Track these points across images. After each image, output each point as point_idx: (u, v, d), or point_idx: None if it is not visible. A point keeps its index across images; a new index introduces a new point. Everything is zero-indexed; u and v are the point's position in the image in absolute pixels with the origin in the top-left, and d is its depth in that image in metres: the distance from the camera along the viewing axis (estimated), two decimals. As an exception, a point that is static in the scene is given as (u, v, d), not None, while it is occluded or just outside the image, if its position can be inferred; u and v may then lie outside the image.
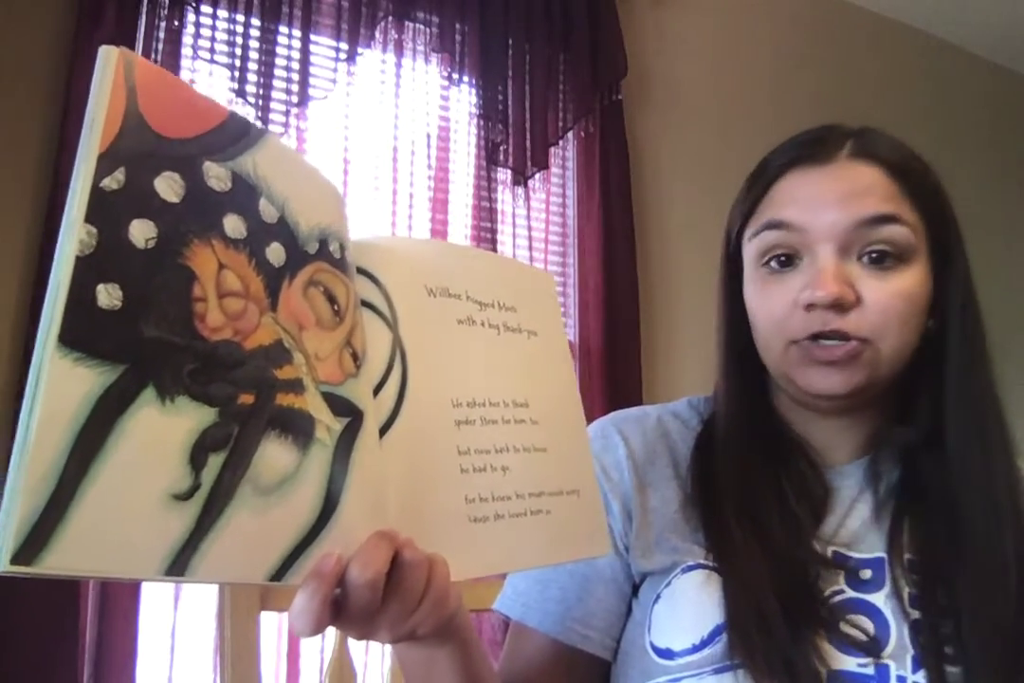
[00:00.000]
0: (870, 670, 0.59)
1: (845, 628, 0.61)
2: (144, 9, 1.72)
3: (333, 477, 0.42)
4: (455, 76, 2.06)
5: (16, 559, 0.30)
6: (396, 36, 2.01)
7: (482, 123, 2.08)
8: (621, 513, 0.69)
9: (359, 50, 1.94)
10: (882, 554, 0.65)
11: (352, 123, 1.95)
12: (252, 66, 1.81)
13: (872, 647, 0.60)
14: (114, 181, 0.35)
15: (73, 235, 0.33)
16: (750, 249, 0.68)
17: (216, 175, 0.39)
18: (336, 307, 0.44)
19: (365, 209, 1.94)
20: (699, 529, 0.67)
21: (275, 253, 0.41)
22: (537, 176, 2.13)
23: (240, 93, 1.79)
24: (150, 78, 0.37)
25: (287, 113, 1.85)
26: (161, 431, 0.35)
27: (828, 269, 0.62)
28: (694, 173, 2.38)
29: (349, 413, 0.44)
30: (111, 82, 0.35)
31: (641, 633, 0.65)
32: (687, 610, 0.63)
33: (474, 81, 2.08)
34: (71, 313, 0.33)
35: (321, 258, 0.44)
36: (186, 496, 0.35)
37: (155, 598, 1.60)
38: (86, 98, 0.35)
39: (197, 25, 1.78)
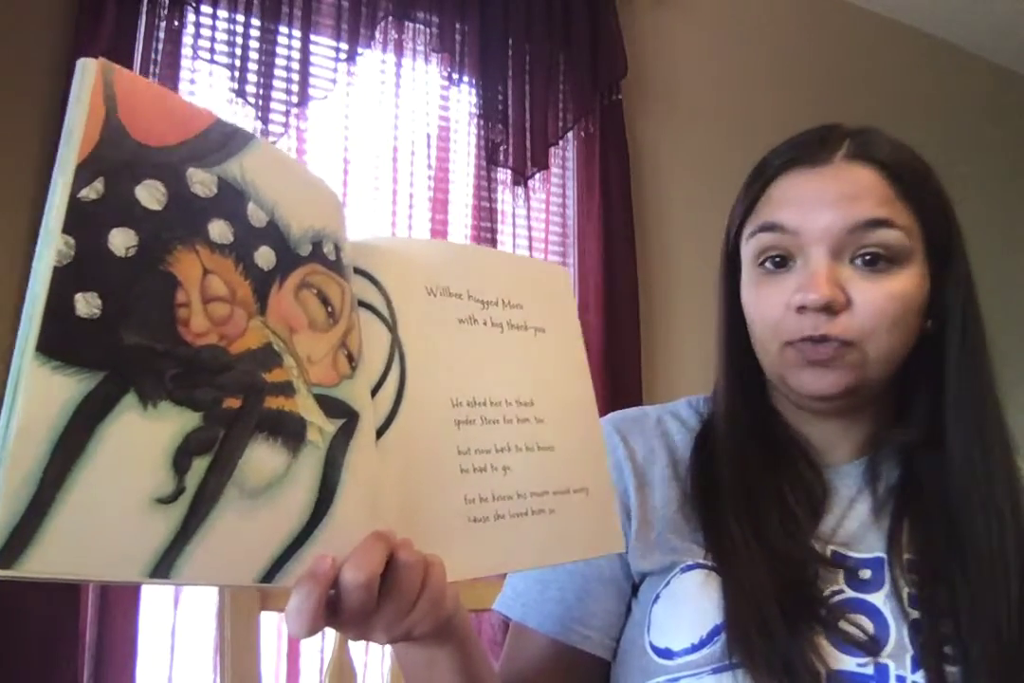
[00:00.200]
0: (869, 670, 0.59)
1: (844, 626, 0.61)
2: (144, 9, 1.72)
3: (326, 479, 0.42)
4: (455, 76, 2.07)
5: None
6: (396, 36, 2.01)
7: (482, 123, 2.08)
8: (621, 513, 0.68)
9: (359, 50, 1.94)
10: (881, 554, 0.65)
11: (352, 123, 1.95)
12: (252, 66, 1.81)
13: (871, 646, 0.60)
14: (93, 191, 0.35)
15: (51, 246, 0.34)
16: (747, 250, 0.68)
17: (201, 181, 0.39)
18: (330, 309, 0.44)
19: (365, 209, 1.94)
20: (698, 529, 0.67)
21: (264, 257, 0.42)
22: (537, 176, 2.13)
23: (240, 93, 1.79)
24: (131, 87, 0.37)
25: (287, 113, 1.85)
26: (143, 436, 0.35)
27: (820, 272, 0.62)
28: (694, 173, 2.38)
29: (344, 414, 0.44)
30: (89, 93, 0.35)
31: (640, 633, 0.65)
32: (686, 610, 0.63)
33: (474, 81, 2.08)
34: (49, 323, 0.33)
35: (314, 260, 0.44)
36: (170, 499, 0.36)
37: (155, 598, 1.60)
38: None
39: (197, 25, 1.78)
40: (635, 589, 0.68)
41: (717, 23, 2.53)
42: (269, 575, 0.39)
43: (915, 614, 0.62)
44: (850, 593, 0.63)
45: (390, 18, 2.00)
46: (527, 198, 2.12)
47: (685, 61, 2.46)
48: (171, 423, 0.36)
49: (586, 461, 0.57)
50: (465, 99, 2.10)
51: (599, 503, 0.56)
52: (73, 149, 0.35)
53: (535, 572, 0.70)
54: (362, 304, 0.48)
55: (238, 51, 1.80)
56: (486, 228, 2.05)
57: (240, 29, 1.81)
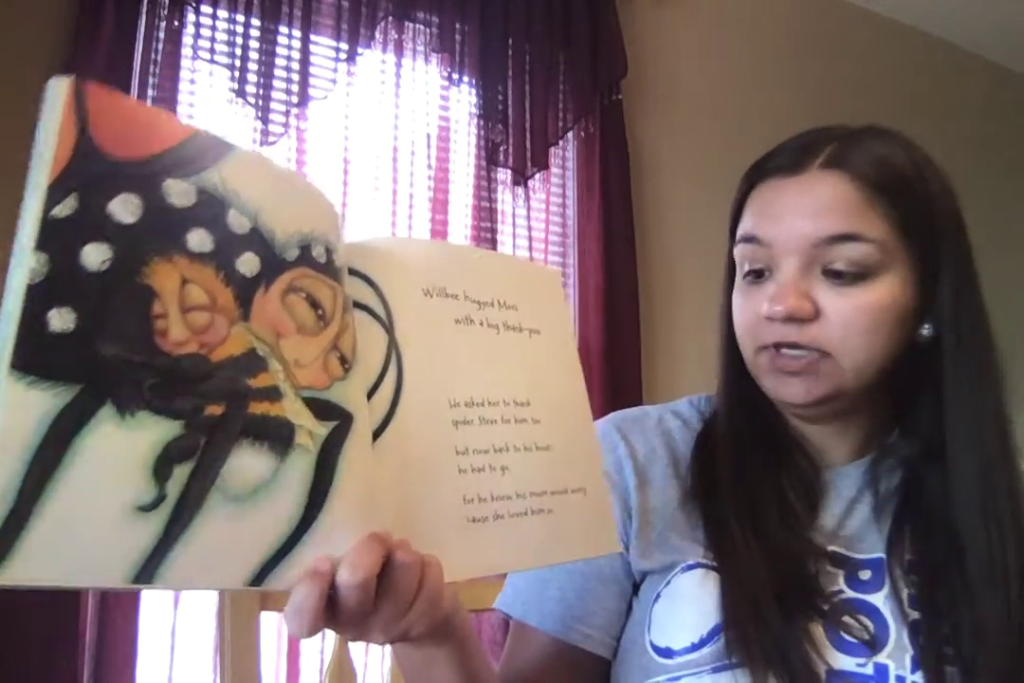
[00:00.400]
0: (869, 670, 0.60)
1: (846, 621, 0.61)
2: (144, 9, 1.72)
3: (318, 481, 0.42)
4: (455, 76, 2.07)
5: None
6: (396, 36, 2.01)
7: (482, 123, 2.08)
8: (621, 512, 0.69)
9: (359, 50, 1.94)
10: (882, 555, 0.65)
11: (352, 123, 1.95)
12: (252, 66, 1.81)
13: (871, 645, 0.60)
14: (66, 208, 0.35)
15: (23, 264, 0.34)
16: (736, 256, 0.69)
17: (179, 192, 0.39)
18: (320, 312, 0.45)
19: (365, 209, 1.94)
20: (699, 528, 0.67)
21: (247, 263, 0.42)
22: (537, 176, 2.13)
23: (240, 93, 1.79)
24: (103, 103, 0.37)
25: (287, 113, 1.85)
26: (121, 446, 0.36)
27: (787, 284, 0.63)
28: (694, 173, 2.38)
29: (336, 417, 0.44)
30: (60, 113, 0.36)
31: (641, 632, 0.65)
32: (686, 609, 0.63)
33: (474, 81, 2.08)
34: (23, 339, 0.33)
35: (303, 264, 0.44)
36: (150, 507, 0.36)
37: (155, 598, 1.60)
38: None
39: (197, 25, 1.78)
40: (636, 588, 0.68)
41: (717, 23, 2.53)
42: (259, 578, 0.40)
43: (915, 615, 0.62)
44: (850, 593, 0.63)
45: (390, 18, 2.00)
46: (527, 198, 2.12)
47: (685, 61, 2.46)
48: (150, 432, 0.37)
49: (582, 461, 0.57)
50: (465, 99, 2.10)
51: (596, 503, 0.56)
52: (43, 170, 0.35)
53: (535, 571, 0.70)
54: (358, 305, 0.47)
55: (238, 51, 1.80)
56: (486, 228, 2.05)
57: (240, 29, 1.81)
